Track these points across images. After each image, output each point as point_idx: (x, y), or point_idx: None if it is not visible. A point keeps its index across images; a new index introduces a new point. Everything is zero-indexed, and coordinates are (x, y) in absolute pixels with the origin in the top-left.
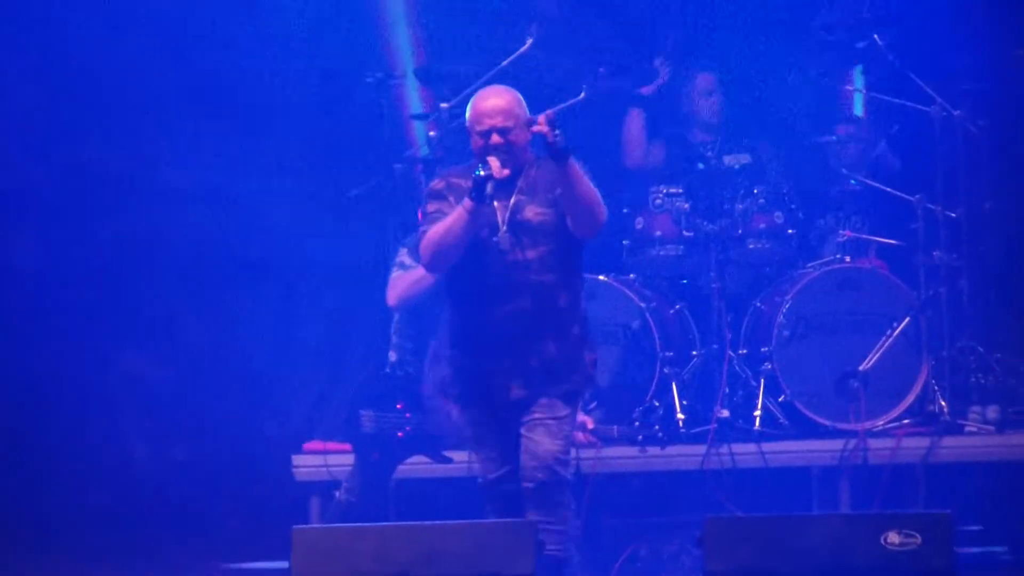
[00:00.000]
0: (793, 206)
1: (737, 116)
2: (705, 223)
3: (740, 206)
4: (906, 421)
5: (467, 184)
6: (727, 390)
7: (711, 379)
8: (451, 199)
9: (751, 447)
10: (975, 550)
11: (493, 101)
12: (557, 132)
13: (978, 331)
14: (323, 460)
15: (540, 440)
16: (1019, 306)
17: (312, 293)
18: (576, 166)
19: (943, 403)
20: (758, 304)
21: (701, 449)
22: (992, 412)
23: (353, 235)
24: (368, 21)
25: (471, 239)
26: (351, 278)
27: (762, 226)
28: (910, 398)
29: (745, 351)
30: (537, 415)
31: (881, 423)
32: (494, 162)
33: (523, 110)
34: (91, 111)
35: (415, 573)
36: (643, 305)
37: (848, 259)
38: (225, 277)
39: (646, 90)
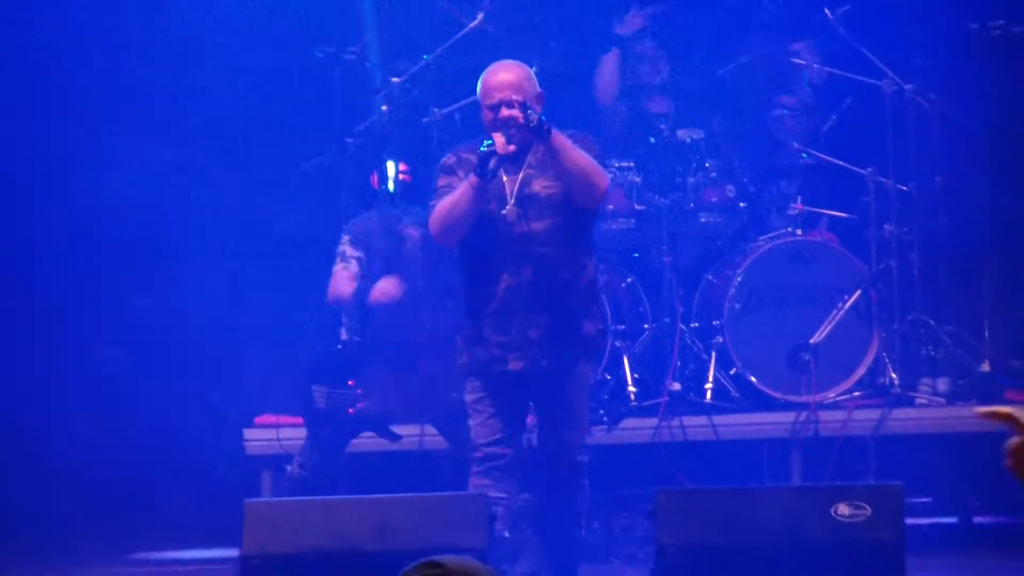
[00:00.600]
0: (745, 180)
1: (691, 90)
2: (657, 197)
3: (692, 180)
4: (857, 393)
5: (475, 160)
6: (678, 363)
7: (662, 352)
8: (460, 174)
9: (702, 420)
10: (924, 521)
11: (502, 75)
12: (530, 112)
13: (929, 304)
14: (275, 434)
15: (557, 430)
16: (969, 279)
17: (264, 268)
18: (561, 138)
19: (894, 375)
20: (709, 277)
21: (652, 422)
22: (943, 384)
23: (305, 209)
24: None
25: (478, 213)
26: (304, 253)
27: (714, 199)
28: (861, 371)
29: (696, 324)
30: (548, 402)
31: (832, 395)
32: (499, 138)
33: (533, 84)
34: (36, 77)
35: (366, 547)
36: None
37: (799, 232)
38: (175, 252)
39: (622, 30)
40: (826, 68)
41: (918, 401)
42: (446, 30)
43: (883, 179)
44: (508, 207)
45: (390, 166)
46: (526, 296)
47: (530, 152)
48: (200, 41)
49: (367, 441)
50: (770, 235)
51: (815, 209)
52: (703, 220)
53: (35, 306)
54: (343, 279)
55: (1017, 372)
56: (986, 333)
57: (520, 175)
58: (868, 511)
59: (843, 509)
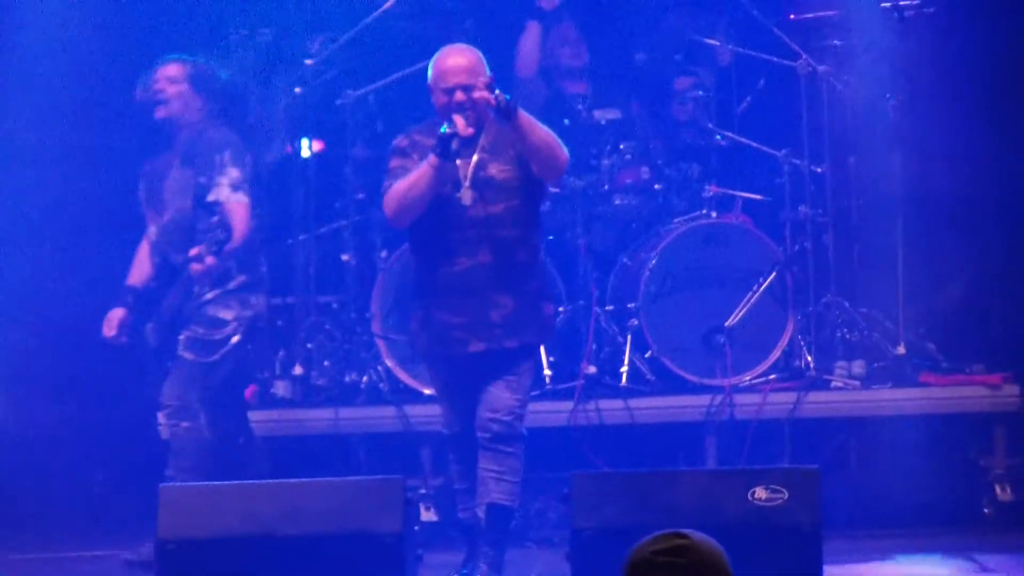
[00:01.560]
0: (660, 162)
1: (609, 72)
2: (571, 179)
3: (607, 162)
4: (772, 377)
5: (430, 142)
6: (594, 346)
7: (577, 335)
8: (415, 156)
9: (618, 403)
10: (841, 504)
11: (456, 59)
12: (498, 93)
13: (843, 286)
14: None
15: (499, 394)
16: (884, 261)
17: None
18: (525, 116)
19: (809, 358)
20: (624, 260)
21: (568, 405)
22: (858, 367)
23: None
24: None
25: (433, 195)
26: None
27: (628, 181)
28: (776, 353)
29: (611, 307)
30: (497, 369)
31: (748, 378)
32: (459, 120)
33: (484, 68)
34: None
35: (281, 531)
36: None
37: (714, 214)
38: (92, 236)
39: (545, 4)
40: (740, 49)
41: (833, 384)
42: (359, 12)
43: (797, 161)
44: (464, 190)
45: (304, 143)
46: (486, 278)
47: (482, 134)
48: (114, 25)
49: (281, 424)
50: (685, 217)
51: (729, 191)
52: (617, 202)
53: None
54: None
55: (931, 355)
56: (901, 315)
57: (474, 158)
58: (785, 495)
59: (760, 492)
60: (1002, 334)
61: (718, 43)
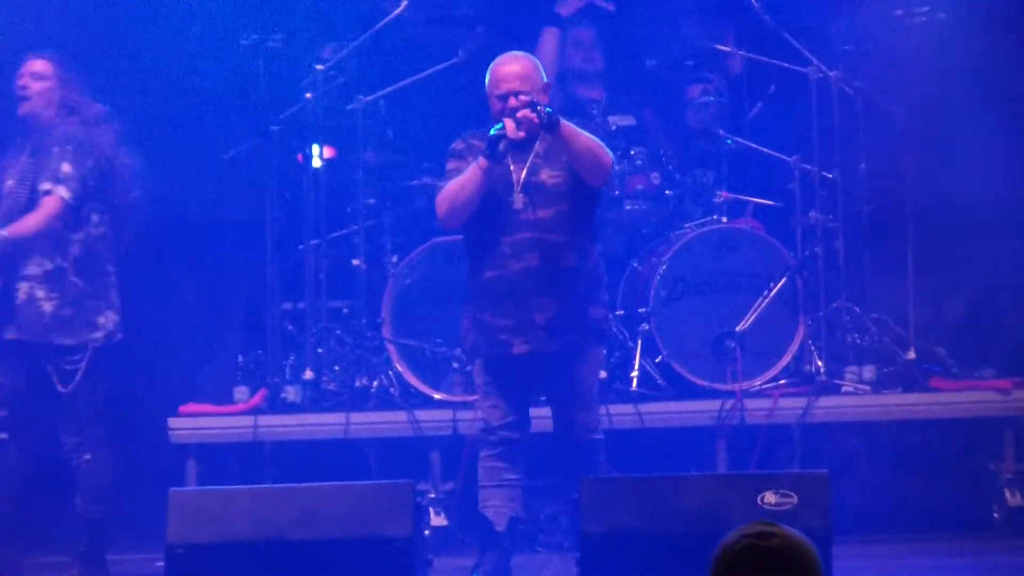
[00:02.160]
0: (671, 167)
1: (623, 78)
2: None
3: (617, 167)
4: (782, 381)
5: (484, 145)
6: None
7: None
8: (469, 159)
9: (628, 408)
10: (850, 508)
11: (511, 66)
12: (540, 108)
13: (854, 291)
14: (200, 423)
15: (573, 415)
16: (894, 267)
17: (190, 255)
18: (568, 126)
19: (819, 363)
20: (635, 265)
21: None
22: (868, 372)
23: (231, 197)
24: None
25: (484, 196)
26: (230, 239)
27: (639, 187)
28: (787, 358)
29: (622, 312)
30: (559, 380)
31: (758, 383)
32: (509, 123)
33: (540, 75)
34: None
35: (291, 535)
36: None
37: (725, 220)
38: None
39: (563, 9)
40: (751, 55)
41: (844, 389)
42: (370, 18)
43: (808, 166)
44: (515, 195)
45: (315, 148)
46: (534, 281)
47: (537, 141)
48: (124, 30)
49: (292, 429)
50: (695, 223)
51: (740, 196)
52: (628, 208)
53: None
54: None
55: (942, 360)
56: (911, 321)
57: (527, 164)
58: (795, 499)
59: (769, 497)
60: (1012, 339)
61: (729, 49)
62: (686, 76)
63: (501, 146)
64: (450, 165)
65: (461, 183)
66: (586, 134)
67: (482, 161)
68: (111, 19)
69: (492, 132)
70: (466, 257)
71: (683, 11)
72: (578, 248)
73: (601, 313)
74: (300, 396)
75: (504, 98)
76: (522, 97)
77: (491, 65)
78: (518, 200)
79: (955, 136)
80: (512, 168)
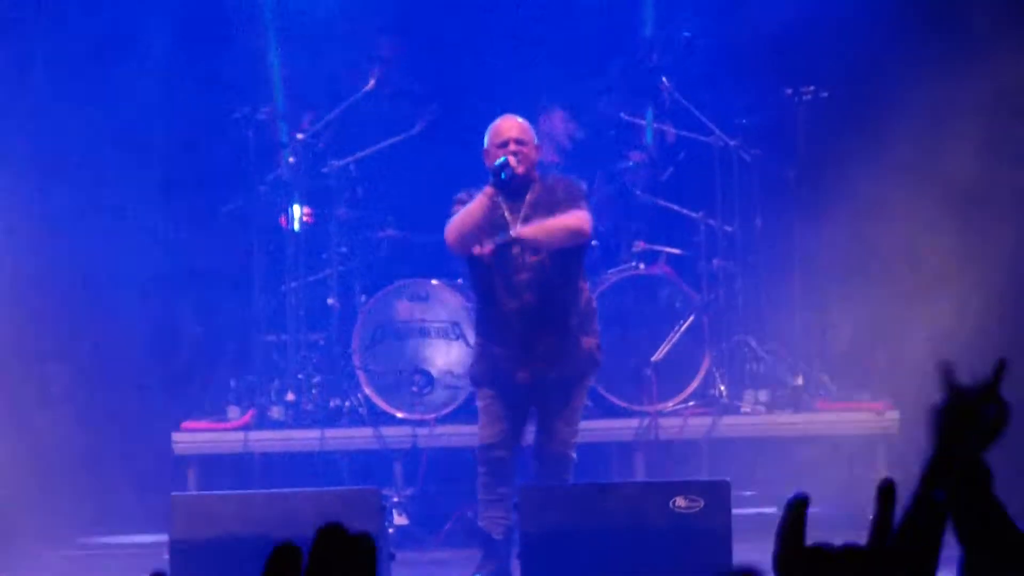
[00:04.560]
0: (596, 221)
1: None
2: None
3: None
4: (692, 403)
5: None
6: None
7: None
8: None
9: None
10: (749, 511)
11: (509, 121)
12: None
13: (751, 327)
14: (199, 437)
15: (556, 427)
16: (785, 306)
17: (192, 296)
18: (529, 232)
19: (722, 388)
20: None
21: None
22: (763, 395)
23: (226, 246)
24: (237, 64)
25: (489, 224)
26: (225, 282)
27: None
28: (695, 384)
29: None
30: (549, 401)
31: (670, 405)
32: (512, 159)
33: (533, 135)
34: None
35: (275, 533)
36: (469, 305)
37: (642, 266)
38: (116, 284)
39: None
40: (664, 127)
41: (743, 410)
42: (343, 94)
43: (712, 221)
44: (512, 242)
45: (296, 209)
46: (531, 316)
47: (529, 192)
48: (133, 100)
49: (276, 442)
50: (618, 268)
51: (655, 247)
52: None
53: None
54: None
55: (825, 385)
56: (799, 352)
57: (521, 214)
58: (701, 503)
59: (680, 502)
60: (884, 368)
61: (644, 123)
62: (609, 146)
63: (505, 174)
64: (455, 209)
65: (469, 210)
66: (551, 223)
67: (488, 189)
68: (128, 87)
69: (496, 164)
70: (472, 294)
71: (605, 89)
72: (569, 284)
73: (595, 343)
74: (283, 415)
75: (504, 144)
76: (522, 138)
77: (492, 124)
78: (513, 246)
79: (834, 196)
80: (509, 218)
